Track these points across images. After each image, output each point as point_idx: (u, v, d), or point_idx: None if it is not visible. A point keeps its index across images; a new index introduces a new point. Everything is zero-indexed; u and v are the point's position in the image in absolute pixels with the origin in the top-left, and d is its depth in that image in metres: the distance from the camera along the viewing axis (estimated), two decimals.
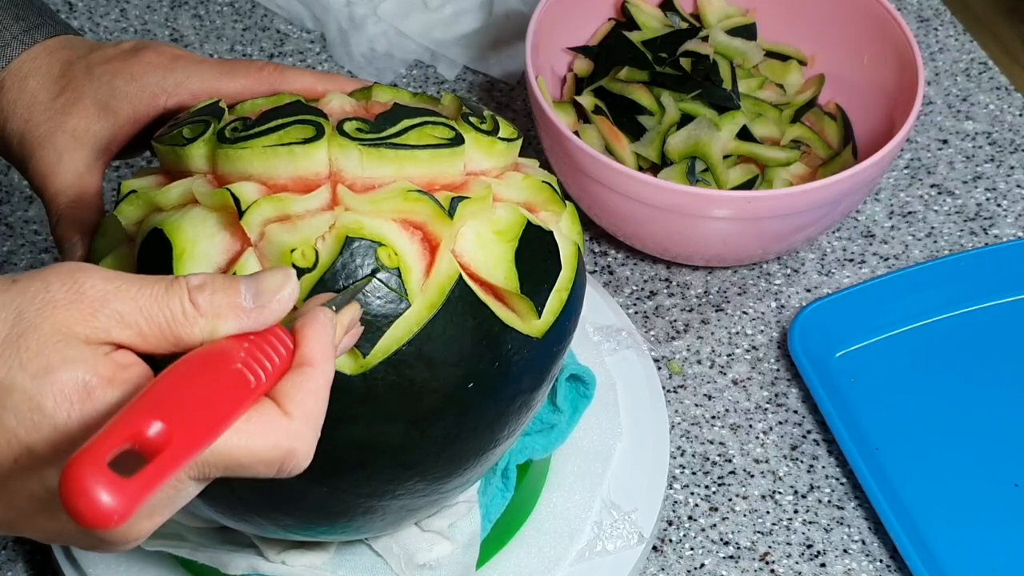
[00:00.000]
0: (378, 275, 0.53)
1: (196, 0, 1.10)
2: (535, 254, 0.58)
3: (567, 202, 0.63)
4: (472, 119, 0.59)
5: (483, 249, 0.57)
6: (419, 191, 0.54)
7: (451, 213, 0.55)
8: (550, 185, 0.61)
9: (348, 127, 0.56)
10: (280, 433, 0.43)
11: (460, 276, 0.55)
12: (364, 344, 0.53)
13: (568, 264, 0.60)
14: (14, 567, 0.76)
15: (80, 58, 0.65)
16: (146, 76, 0.63)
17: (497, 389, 0.57)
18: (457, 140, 0.57)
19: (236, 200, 0.53)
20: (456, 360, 0.55)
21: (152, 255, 0.55)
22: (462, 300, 0.55)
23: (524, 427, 0.62)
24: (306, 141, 0.55)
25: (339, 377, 0.51)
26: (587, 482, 0.74)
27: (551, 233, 0.60)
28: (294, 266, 0.52)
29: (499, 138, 0.59)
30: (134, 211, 0.58)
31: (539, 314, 0.58)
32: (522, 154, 1.05)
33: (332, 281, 0.53)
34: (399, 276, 0.53)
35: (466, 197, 0.56)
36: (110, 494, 0.37)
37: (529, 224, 0.58)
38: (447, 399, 0.56)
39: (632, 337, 0.81)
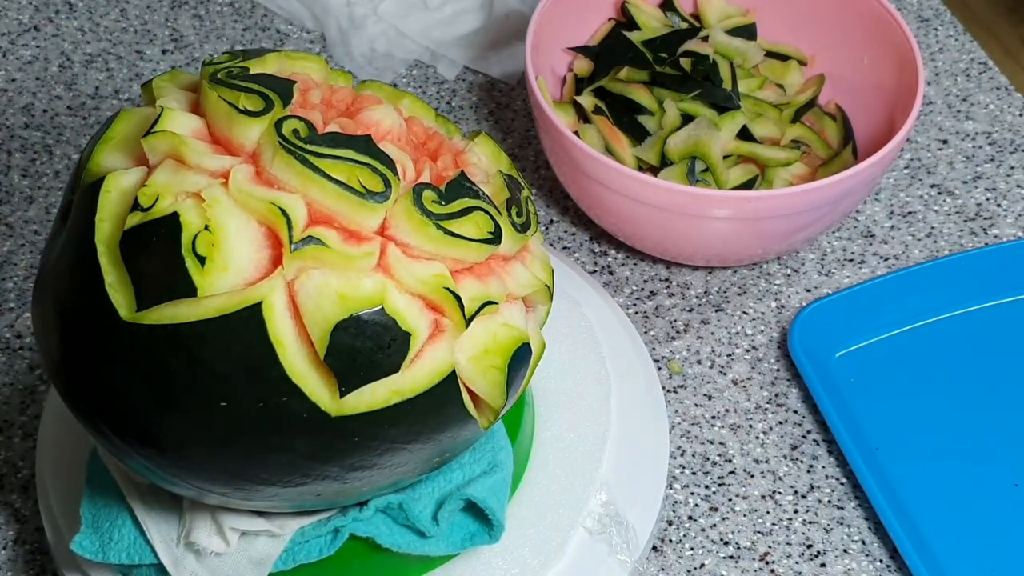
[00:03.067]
0: None
1: (196, 0, 1.10)
2: (363, 334, 0.54)
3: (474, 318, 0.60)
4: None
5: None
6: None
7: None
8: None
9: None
10: None
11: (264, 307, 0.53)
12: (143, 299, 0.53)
13: (426, 371, 0.56)
14: (14, 567, 0.76)
15: None
16: None
17: (253, 426, 0.55)
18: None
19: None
20: (220, 371, 0.53)
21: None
22: (256, 331, 0.53)
23: (304, 487, 0.59)
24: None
25: (113, 316, 0.53)
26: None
27: (405, 332, 0.56)
28: None
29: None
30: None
31: (343, 393, 0.54)
32: (522, 153, 1.04)
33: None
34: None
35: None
36: None
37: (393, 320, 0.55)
38: (197, 397, 0.54)
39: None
